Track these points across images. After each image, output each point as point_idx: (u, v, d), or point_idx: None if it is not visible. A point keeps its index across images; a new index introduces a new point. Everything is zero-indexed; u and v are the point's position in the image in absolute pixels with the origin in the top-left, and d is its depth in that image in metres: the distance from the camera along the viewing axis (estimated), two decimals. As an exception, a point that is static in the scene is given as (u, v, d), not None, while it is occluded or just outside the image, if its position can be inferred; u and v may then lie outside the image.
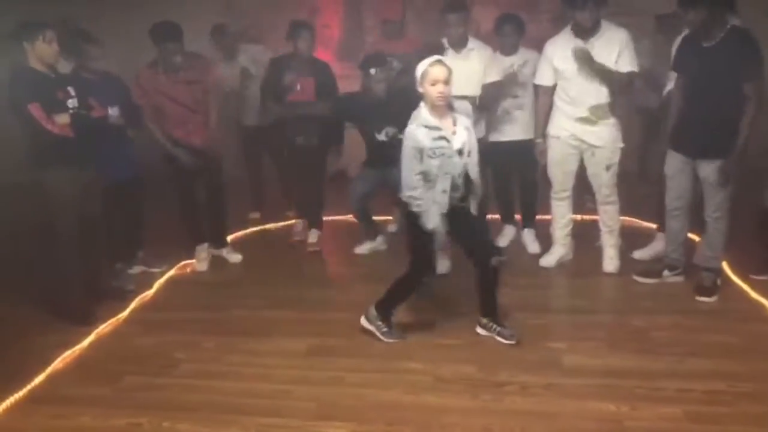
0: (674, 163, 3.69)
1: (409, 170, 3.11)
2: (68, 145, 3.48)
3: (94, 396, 2.99)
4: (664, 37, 3.94)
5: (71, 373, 3.23)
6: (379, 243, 4.74)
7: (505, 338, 3.26)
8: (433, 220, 3.13)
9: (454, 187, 3.14)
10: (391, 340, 3.34)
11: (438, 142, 3.07)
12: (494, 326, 3.30)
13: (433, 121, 3.09)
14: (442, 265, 4.26)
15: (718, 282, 3.68)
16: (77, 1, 6.12)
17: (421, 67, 3.07)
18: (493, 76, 4.19)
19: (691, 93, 3.56)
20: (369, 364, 3.15)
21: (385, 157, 3.97)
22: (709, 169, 3.52)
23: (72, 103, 3.52)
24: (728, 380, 2.86)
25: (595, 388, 2.85)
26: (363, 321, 3.39)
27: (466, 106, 3.95)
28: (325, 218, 5.01)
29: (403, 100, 3.57)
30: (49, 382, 3.13)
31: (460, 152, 3.11)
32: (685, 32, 3.64)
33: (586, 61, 3.78)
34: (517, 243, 4.72)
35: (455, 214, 3.19)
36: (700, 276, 3.71)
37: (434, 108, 3.08)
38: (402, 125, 3.22)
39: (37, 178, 3.52)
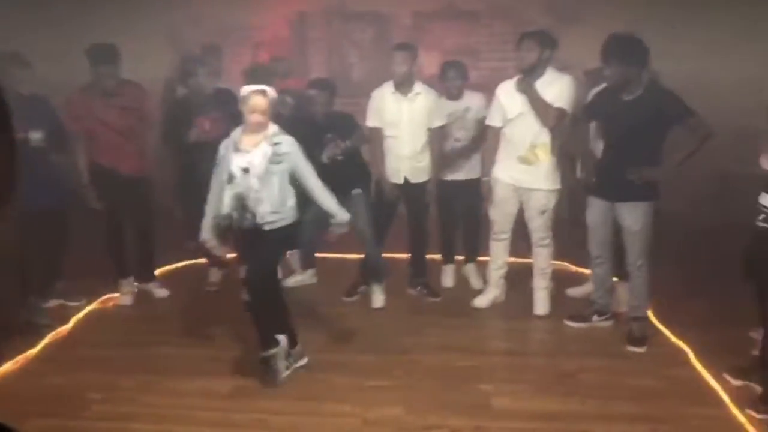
0: (595, 211, 3.79)
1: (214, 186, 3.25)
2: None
3: (-7, 440, 2.76)
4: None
5: (-30, 414, 2.98)
6: (308, 276, 4.66)
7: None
8: (204, 229, 3.26)
9: (240, 204, 3.16)
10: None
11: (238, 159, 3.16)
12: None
13: (239, 139, 3.19)
14: (377, 299, 4.22)
15: (647, 332, 3.76)
16: (14, 21, 5.88)
17: (243, 91, 3.20)
18: (438, 121, 4.25)
19: (611, 142, 3.70)
20: (294, 406, 3.05)
21: (331, 178, 3.77)
22: (629, 216, 3.63)
23: (-13, 124, 3.34)
24: (651, 423, 2.92)
25: (523, 432, 2.85)
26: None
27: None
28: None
29: (339, 123, 3.94)
30: (-57, 424, 2.88)
31: (245, 170, 3.14)
32: (604, 85, 3.81)
33: (527, 90, 3.85)
34: (457, 282, 4.67)
35: (250, 234, 3.20)
36: (630, 326, 3.76)
37: (248, 131, 3.18)
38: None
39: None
